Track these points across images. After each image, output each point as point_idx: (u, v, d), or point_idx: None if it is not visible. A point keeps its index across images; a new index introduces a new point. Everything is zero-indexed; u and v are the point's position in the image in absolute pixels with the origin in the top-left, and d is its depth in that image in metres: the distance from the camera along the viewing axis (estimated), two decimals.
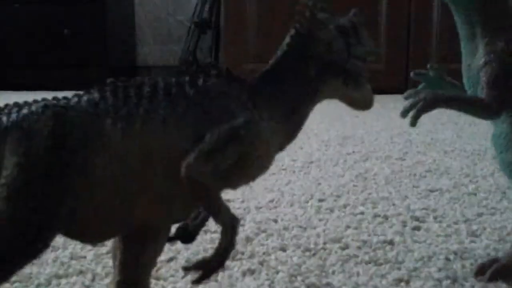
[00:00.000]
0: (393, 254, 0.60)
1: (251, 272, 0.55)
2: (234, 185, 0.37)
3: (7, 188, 0.32)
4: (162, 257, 0.58)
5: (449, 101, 0.50)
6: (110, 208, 0.35)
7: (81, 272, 0.54)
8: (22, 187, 0.32)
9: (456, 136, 1.37)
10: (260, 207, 0.76)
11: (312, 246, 0.62)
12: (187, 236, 0.40)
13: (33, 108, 0.35)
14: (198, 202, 0.35)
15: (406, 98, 0.51)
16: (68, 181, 0.33)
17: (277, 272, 0.55)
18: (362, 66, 0.39)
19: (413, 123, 0.49)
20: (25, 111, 0.34)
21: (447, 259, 0.59)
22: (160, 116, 0.35)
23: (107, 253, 0.59)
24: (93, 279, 0.53)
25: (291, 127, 0.39)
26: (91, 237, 0.37)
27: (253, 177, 0.38)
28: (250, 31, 2.61)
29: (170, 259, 0.58)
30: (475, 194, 0.84)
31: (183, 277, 0.54)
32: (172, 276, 0.54)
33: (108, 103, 0.35)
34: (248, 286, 0.52)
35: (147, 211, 0.36)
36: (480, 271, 0.53)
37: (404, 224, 0.70)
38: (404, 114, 0.50)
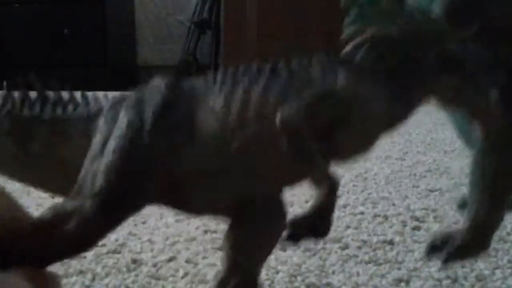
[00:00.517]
0: (393, 254, 0.60)
1: None
2: (335, 155, 0.35)
3: (116, 142, 0.35)
4: (162, 257, 0.58)
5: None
6: (212, 174, 0.35)
7: (81, 272, 0.54)
8: (132, 140, 0.35)
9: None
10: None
11: (312, 246, 0.62)
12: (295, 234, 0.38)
13: (148, 84, 0.38)
14: (292, 154, 0.33)
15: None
16: (175, 141, 0.35)
17: (277, 272, 0.55)
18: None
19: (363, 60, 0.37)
20: (142, 88, 0.38)
21: None
22: (261, 86, 0.35)
23: (107, 253, 0.59)
24: (93, 279, 0.53)
25: (401, 105, 0.35)
26: (195, 206, 0.37)
27: (353, 148, 0.35)
28: (250, 31, 2.61)
29: (170, 259, 0.58)
30: None
31: (183, 277, 0.54)
32: (172, 276, 0.54)
33: (217, 78, 0.37)
34: None
35: (246, 173, 0.35)
36: (432, 250, 0.45)
37: (404, 224, 0.70)
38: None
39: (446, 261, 0.39)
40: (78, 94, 0.40)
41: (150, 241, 0.63)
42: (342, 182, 0.90)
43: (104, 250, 0.60)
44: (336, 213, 0.78)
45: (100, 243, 0.61)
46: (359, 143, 0.36)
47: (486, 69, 0.36)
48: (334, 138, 0.34)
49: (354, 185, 0.89)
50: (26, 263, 0.32)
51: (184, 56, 3.05)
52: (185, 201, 0.37)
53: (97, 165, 0.35)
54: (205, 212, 0.39)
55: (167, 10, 3.27)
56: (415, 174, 0.98)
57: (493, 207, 0.40)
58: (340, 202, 0.80)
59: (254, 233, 0.38)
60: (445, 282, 0.53)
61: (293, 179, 0.37)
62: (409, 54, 0.35)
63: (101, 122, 0.37)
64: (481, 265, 0.57)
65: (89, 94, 0.40)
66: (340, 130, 0.34)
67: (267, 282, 0.53)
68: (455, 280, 0.53)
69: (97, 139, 0.36)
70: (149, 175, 0.35)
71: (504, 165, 0.38)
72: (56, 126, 0.39)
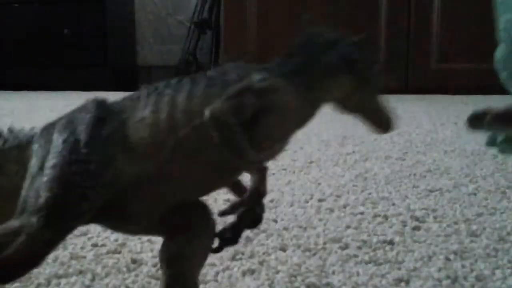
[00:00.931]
0: (393, 254, 0.60)
1: (251, 272, 0.55)
2: (260, 144, 0.38)
3: (54, 159, 0.37)
4: None
5: None
6: (149, 178, 0.38)
7: (81, 272, 0.54)
8: (67, 156, 0.37)
9: (456, 136, 1.38)
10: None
11: (312, 246, 0.62)
12: (230, 238, 0.41)
13: (77, 107, 0.40)
14: (223, 144, 0.36)
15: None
16: (109, 152, 0.37)
17: (277, 272, 0.55)
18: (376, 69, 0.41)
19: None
20: (71, 110, 0.40)
21: (447, 259, 0.59)
22: (184, 92, 0.38)
23: (107, 253, 0.59)
24: (93, 279, 0.53)
25: (309, 103, 0.40)
26: (132, 217, 0.39)
27: (275, 136, 0.39)
28: (250, 31, 2.61)
29: None
30: (475, 194, 0.84)
31: None
32: None
33: (140, 93, 0.40)
34: (248, 286, 0.52)
35: (181, 176, 0.38)
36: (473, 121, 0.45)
37: (404, 224, 0.70)
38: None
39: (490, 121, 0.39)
40: (2, 129, 0.42)
41: (150, 241, 0.63)
42: (342, 182, 0.91)
43: (104, 250, 0.60)
44: (336, 213, 0.79)
45: (100, 243, 0.62)
46: (276, 136, 0.39)
47: (375, 73, 0.41)
48: (256, 128, 0.37)
49: (354, 185, 0.90)
50: None
51: (184, 56, 3.05)
52: (125, 210, 0.39)
53: (38, 183, 0.37)
54: (140, 223, 0.40)
55: (167, 10, 3.27)
56: (415, 174, 0.98)
57: None
58: (340, 202, 0.80)
59: (186, 243, 0.40)
60: (445, 282, 0.53)
61: (223, 178, 0.40)
62: (310, 55, 0.40)
63: (35, 147, 0.39)
64: (481, 265, 0.57)
65: (15, 127, 0.42)
66: (260, 121, 0.38)
67: (267, 282, 0.53)
68: (455, 280, 0.53)
69: (34, 162, 0.38)
70: (89, 184, 0.36)
71: None
72: None
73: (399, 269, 0.56)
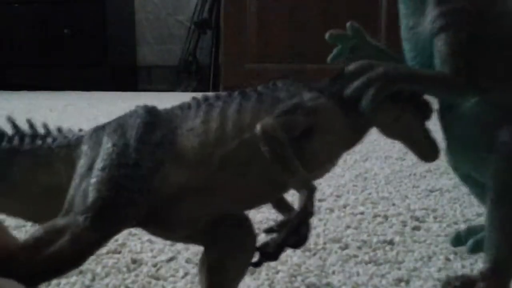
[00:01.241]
0: (393, 254, 0.60)
1: (251, 272, 0.55)
2: (306, 163, 0.38)
3: (103, 162, 0.37)
4: (162, 257, 0.58)
5: (412, 79, 0.38)
6: (195, 188, 0.38)
7: (81, 272, 0.54)
8: (116, 160, 0.37)
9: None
10: (260, 207, 0.76)
11: (312, 246, 0.62)
12: (270, 253, 0.40)
13: (127, 112, 0.41)
14: (273, 160, 0.36)
15: (356, 72, 0.38)
16: (158, 159, 0.38)
17: (277, 272, 0.55)
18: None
19: (369, 108, 0.37)
20: (122, 115, 0.41)
21: (447, 259, 0.59)
22: (235, 105, 0.39)
23: (107, 253, 0.59)
24: (93, 279, 0.53)
25: (356, 127, 0.40)
26: (175, 225, 0.39)
27: (321, 157, 0.39)
28: (250, 31, 2.61)
29: (170, 259, 0.58)
30: None
31: (183, 277, 0.54)
32: (172, 276, 0.54)
33: (191, 103, 0.41)
34: (248, 286, 0.52)
35: (227, 188, 0.38)
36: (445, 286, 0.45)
37: (404, 224, 0.70)
38: (353, 93, 0.38)
39: None
40: (53, 128, 0.43)
41: (150, 241, 0.63)
42: (342, 182, 0.91)
43: (104, 250, 0.60)
44: (336, 213, 0.79)
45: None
46: (323, 155, 0.39)
47: (422, 101, 0.41)
48: (304, 147, 0.38)
49: (354, 185, 0.90)
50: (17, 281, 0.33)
51: (184, 56, 3.05)
52: (169, 217, 0.39)
53: (86, 183, 0.37)
54: (182, 231, 0.40)
55: (167, 10, 3.27)
56: (415, 174, 0.98)
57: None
58: (340, 202, 0.80)
59: (226, 254, 0.41)
60: None
61: (269, 193, 0.40)
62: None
63: (85, 148, 0.40)
64: (481, 265, 0.57)
65: (64, 127, 0.43)
66: (309, 139, 0.38)
67: (267, 282, 0.53)
68: None
69: (82, 162, 0.39)
70: (137, 189, 0.36)
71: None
72: (38, 155, 0.41)
73: (399, 269, 0.56)
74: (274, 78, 0.42)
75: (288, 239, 0.36)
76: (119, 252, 0.60)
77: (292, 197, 0.40)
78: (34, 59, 2.95)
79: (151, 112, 0.40)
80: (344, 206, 0.77)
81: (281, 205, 0.43)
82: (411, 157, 1.12)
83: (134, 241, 0.63)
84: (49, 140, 0.41)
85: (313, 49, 2.56)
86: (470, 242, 0.47)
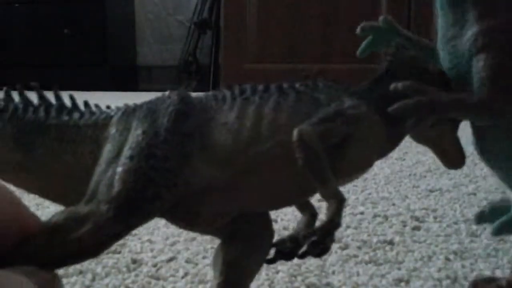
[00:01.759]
0: (393, 254, 0.60)
1: None
2: (339, 171, 0.37)
3: (131, 150, 0.36)
4: (162, 257, 0.58)
5: (453, 107, 0.37)
6: (222, 184, 0.37)
7: (81, 272, 0.54)
8: (146, 149, 0.35)
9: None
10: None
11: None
12: (287, 252, 0.40)
13: (159, 96, 0.39)
14: (306, 168, 0.35)
15: (403, 90, 0.37)
16: (187, 151, 0.36)
17: (277, 272, 0.55)
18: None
19: (412, 130, 0.38)
20: (153, 99, 0.39)
21: (447, 259, 0.59)
22: (272, 102, 0.37)
23: (107, 253, 0.59)
24: (93, 279, 0.53)
25: (393, 135, 0.39)
26: (200, 219, 0.38)
27: (355, 166, 0.38)
28: (250, 31, 2.61)
29: (170, 259, 0.58)
30: (475, 194, 0.84)
31: (183, 277, 0.54)
32: (172, 276, 0.54)
33: (226, 94, 0.39)
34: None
35: (255, 188, 0.37)
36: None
37: (404, 224, 0.70)
38: (396, 111, 0.37)
39: None
40: (80, 102, 0.41)
41: (150, 241, 0.63)
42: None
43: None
44: None
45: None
46: (357, 164, 0.38)
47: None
48: (338, 154, 0.37)
49: (354, 185, 0.90)
50: (34, 265, 0.32)
51: (184, 56, 3.05)
52: (192, 212, 0.38)
53: (112, 171, 0.35)
54: (206, 225, 0.39)
55: (167, 10, 3.27)
56: (415, 174, 0.98)
57: None
58: None
59: (244, 250, 0.40)
60: (445, 282, 0.53)
61: (297, 197, 0.39)
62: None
63: (112, 131, 0.38)
64: (481, 265, 0.57)
65: (91, 103, 0.41)
66: (344, 147, 0.37)
67: (267, 282, 0.53)
68: (455, 280, 0.53)
69: (109, 147, 0.37)
70: (165, 183, 0.35)
71: None
72: (64, 132, 0.39)
73: (399, 269, 0.56)
74: (298, 78, 0.40)
75: (312, 251, 0.36)
76: (119, 252, 0.60)
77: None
78: (34, 59, 2.95)
79: (184, 99, 0.38)
80: (344, 206, 0.77)
81: (305, 208, 0.43)
82: (411, 157, 1.12)
83: (134, 241, 0.63)
84: (75, 116, 0.39)
85: (313, 49, 2.56)
86: (496, 224, 0.46)
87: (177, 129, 0.37)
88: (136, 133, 0.37)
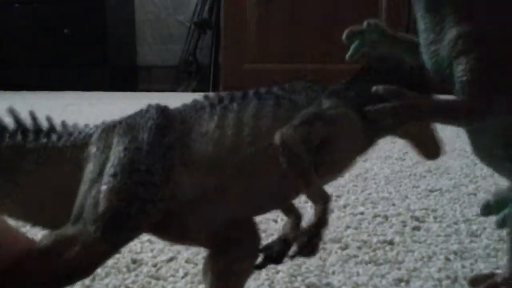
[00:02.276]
0: (393, 254, 0.60)
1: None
2: (322, 170, 0.38)
3: (114, 167, 0.36)
4: (162, 257, 0.58)
5: (433, 113, 0.37)
6: (207, 194, 0.37)
7: None
8: (128, 166, 0.36)
9: (456, 136, 1.38)
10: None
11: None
12: (275, 257, 0.41)
13: (137, 111, 0.39)
14: (290, 171, 0.36)
15: (381, 93, 0.37)
16: (170, 164, 0.36)
17: (277, 272, 0.55)
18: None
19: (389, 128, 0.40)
20: (132, 114, 0.39)
21: (447, 259, 0.59)
22: (251, 109, 0.38)
23: None
24: (93, 279, 0.53)
25: (373, 131, 0.40)
26: (187, 230, 0.38)
27: (338, 164, 0.39)
28: (250, 31, 2.61)
29: (170, 259, 0.58)
30: (475, 194, 0.84)
31: (183, 277, 0.54)
32: (172, 276, 0.54)
33: (204, 103, 0.39)
34: (248, 286, 0.52)
35: (241, 195, 0.37)
36: (473, 283, 0.48)
37: (404, 224, 0.70)
38: (374, 115, 0.37)
39: None
40: (57, 122, 0.40)
41: (150, 241, 0.63)
42: (342, 182, 0.91)
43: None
44: (336, 213, 0.78)
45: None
46: (338, 163, 0.39)
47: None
48: (320, 155, 0.37)
49: (354, 185, 0.90)
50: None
51: (184, 56, 3.05)
52: (179, 224, 0.38)
53: (96, 190, 0.36)
54: (194, 237, 0.39)
55: (167, 10, 3.27)
56: (415, 174, 0.98)
57: None
58: (340, 202, 0.80)
59: (232, 258, 0.40)
60: (445, 282, 0.53)
61: (283, 199, 0.40)
62: (375, 81, 0.38)
63: (93, 150, 0.38)
64: (481, 265, 0.57)
65: (68, 123, 0.40)
66: (328, 148, 0.37)
67: (267, 282, 0.53)
68: (455, 280, 0.53)
69: (91, 166, 0.37)
70: (150, 197, 0.35)
71: None
72: (43, 155, 0.39)
73: (399, 269, 0.56)
74: (289, 78, 0.41)
75: (301, 251, 0.36)
76: (119, 252, 0.60)
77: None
78: (34, 59, 2.95)
79: (163, 112, 0.38)
80: (344, 206, 0.77)
81: (290, 211, 0.43)
82: (411, 157, 1.12)
83: (134, 241, 0.63)
84: (54, 137, 0.39)
85: (313, 49, 2.56)
86: (500, 216, 0.46)
87: (158, 143, 0.37)
88: (117, 150, 0.37)
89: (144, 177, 0.35)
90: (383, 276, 0.54)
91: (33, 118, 0.40)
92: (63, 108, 2.05)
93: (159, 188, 0.35)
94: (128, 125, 0.38)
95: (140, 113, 0.39)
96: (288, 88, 0.39)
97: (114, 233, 0.35)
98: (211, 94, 0.40)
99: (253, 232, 0.41)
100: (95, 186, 0.36)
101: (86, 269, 0.36)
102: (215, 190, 0.37)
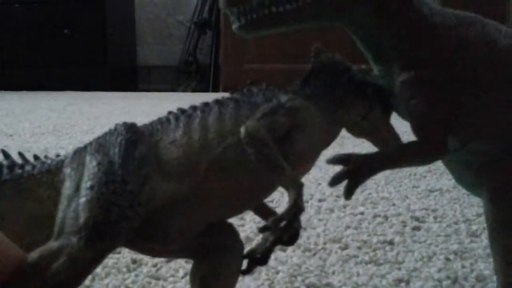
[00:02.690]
0: (393, 254, 0.60)
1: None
2: (291, 163, 0.39)
3: (90, 181, 0.37)
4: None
5: (387, 163, 0.41)
6: (183, 197, 0.38)
7: None
8: (104, 177, 0.37)
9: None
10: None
11: (312, 246, 0.62)
12: (259, 258, 0.41)
13: (106, 131, 0.41)
14: (259, 161, 0.37)
15: (332, 163, 0.41)
16: (144, 173, 0.38)
17: (277, 272, 0.55)
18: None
19: (348, 197, 0.41)
20: (101, 134, 0.41)
21: (447, 259, 0.59)
22: (214, 113, 0.40)
23: None
24: (93, 279, 0.53)
25: (331, 125, 0.42)
26: (167, 237, 0.39)
27: (304, 155, 0.41)
28: None
29: (170, 259, 0.58)
30: None
31: (183, 277, 0.54)
32: (172, 276, 0.54)
33: (169, 117, 0.41)
34: (248, 286, 0.52)
35: (216, 195, 0.39)
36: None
37: (404, 224, 0.70)
38: (333, 183, 0.41)
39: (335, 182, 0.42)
40: (28, 157, 0.42)
41: None
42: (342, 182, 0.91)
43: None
44: (336, 213, 0.78)
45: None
46: (306, 154, 0.41)
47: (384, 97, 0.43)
48: (287, 146, 0.39)
49: None
50: None
51: (184, 56, 3.04)
52: (162, 229, 0.39)
53: (75, 204, 0.37)
54: (175, 242, 0.40)
55: (167, 10, 3.27)
56: (415, 174, 0.98)
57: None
58: (340, 202, 0.80)
59: (217, 265, 0.41)
60: (445, 282, 0.53)
61: (257, 195, 0.41)
62: (328, 80, 0.43)
63: (67, 170, 0.39)
64: (481, 265, 0.57)
65: (39, 156, 0.42)
66: (291, 139, 0.39)
67: (267, 282, 0.53)
68: (455, 281, 0.53)
69: (68, 184, 0.39)
70: (128, 203, 0.37)
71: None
72: (20, 184, 0.40)
73: (399, 269, 0.56)
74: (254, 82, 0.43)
75: (283, 238, 0.37)
76: (119, 252, 0.60)
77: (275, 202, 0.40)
78: (34, 59, 2.95)
79: (131, 128, 0.40)
80: (344, 206, 0.77)
81: (262, 211, 0.44)
82: None
83: None
84: (28, 168, 0.41)
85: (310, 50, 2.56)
86: None
87: (129, 155, 0.39)
88: (91, 166, 0.38)
89: (120, 186, 0.37)
90: (383, 276, 0.54)
91: (6, 154, 0.42)
92: (63, 108, 2.05)
93: (136, 194, 0.37)
94: (99, 144, 0.40)
95: (109, 132, 0.41)
96: (246, 92, 0.42)
97: (97, 241, 0.36)
98: (174, 109, 0.42)
99: (232, 235, 0.42)
100: (74, 200, 0.37)
101: (75, 279, 0.37)
102: (191, 193, 0.38)
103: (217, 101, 0.41)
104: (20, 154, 0.42)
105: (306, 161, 0.41)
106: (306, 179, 0.91)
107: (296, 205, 0.37)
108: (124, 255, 0.59)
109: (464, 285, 0.53)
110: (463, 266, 0.57)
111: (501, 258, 0.41)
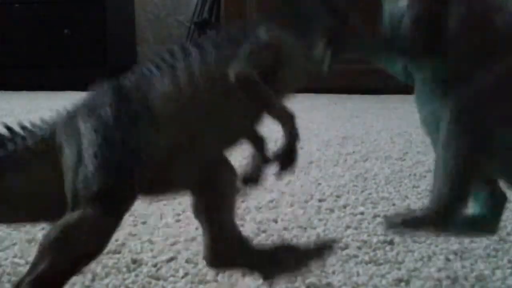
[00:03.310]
0: (393, 254, 0.60)
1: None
2: (280, 93, 0.41)
3: (92, 148, 0.38)
4: (162, 257, 0.58)
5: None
6: (182, 146, 0.40)
7: (81, 272, 0.54)
8: (104, 143, 0.38)
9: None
10: (260, 207, 0.76)
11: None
12: (251, 178, 0.44)
13: (92, 92, 0.42)
14: (252, 100, 0.39)
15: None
16: (139, 128, 0.39)
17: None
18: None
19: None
20: (87, 97, 0.42)
21: (447, 259, 0.59)
22: (197, 58, 0.41)
23: (107, 253, 0.59)
24: (93, 279, 0.53)
25: (306, 48, 0.43)
26: (175, 183, 0.42)
27: (291, 87, 0.43)
28: None
29: (170, 259, 0.58)
30: None
31: (183, 277, 0.54)
32: (172, 276, 0.54)
33: (150, 68, 0.42)
34: (248, 286, 0.52)
35: (210, 135, 0.41)
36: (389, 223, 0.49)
37: None
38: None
39: (397, 225, 0.46)
40: (17, 128, 0.42)
41: (150, 241, 0.63)
42: (342, 182, 0.91)
43: (104, 250, 0.60)
44: (336, 213, 0.78)
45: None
46: (291, 85, 0.43)
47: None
48: (276, 77, 0.41)
49: (354, 185, 0.90)
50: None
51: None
52: (165, 179, 0.41)
53: (83, 174, 0.37)
54: (182, 187, 0.43)
55: (167, 10, 3.27)
56: (415, 174, 0.98)
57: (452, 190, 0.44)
58: (340, 202, 0.80)
59: (219, 193, 0.44)
60: (445, 282, 0.53)
61: (249, 128, 0.43)
62: (299, 8, 0.44)
63: (62, 139, 0.40)
64: (481, 265, 0.57)
65: (28, 122, 0.42)
66: (277, 70, 0.41)
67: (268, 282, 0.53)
68: (455, 280, 0.53)
69: (68, 154, 0.39)
70: (133, 162, 0.38)
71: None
72: (17, 158, 0.41)
73: (399, 269, 0.56)
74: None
75: (283, 165, 0.40)
76: (119, 252, 0.60)
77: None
78: (34, 59, 2.95)
79: (116, 87, 0.41)
80: (344, 206, 0.77)
81: (258, 142, 0.46)
82: (411, 157, 1.12)
83: (134, 241, 0.63)
84: (19, 140, 0.41)
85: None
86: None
87: (123, 115, 0.39)
88: (88, 133, 0.39)
89: (122, 147, 0.38)
90: (383, 276, 0.54)
91: None
92: (63, 108, 2.05)
93: (137, 152, 0.38)
94: (89, 108, 0.40)
95: (95, 93, 0.41)
96: (222, 32, 0.42)
97: (114, 204, 0.37)
98: (152, 58, 0.43)
99: (228, 167, 0.44)
100: (80, 170, 0.38)
101: (99, 246, 0.37)
102: (187, 139, 0.40)
103: (195, 45, 0.42)
104: (6, 126, 0.42)
105: (292, 91, 0.43)
106: (306, 179, 0.91)
107: (291, 134, 0.39)
108: (124, 255, 0.59)
109: (464, 285, 0.53)
110: (463, 266, 0.57)
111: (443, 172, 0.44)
